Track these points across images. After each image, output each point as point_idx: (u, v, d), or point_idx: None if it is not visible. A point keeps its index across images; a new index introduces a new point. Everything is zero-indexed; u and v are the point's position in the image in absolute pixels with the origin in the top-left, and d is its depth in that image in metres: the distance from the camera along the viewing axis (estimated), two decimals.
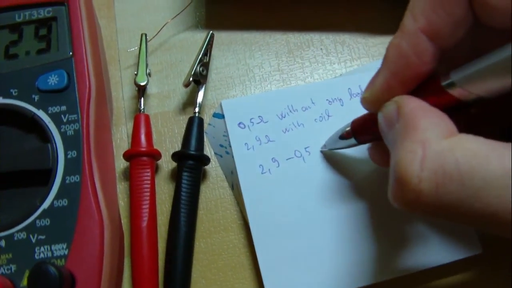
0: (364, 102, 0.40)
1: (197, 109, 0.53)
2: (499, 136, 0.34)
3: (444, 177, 0.29)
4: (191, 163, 0.50)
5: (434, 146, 0.30)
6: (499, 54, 0.29)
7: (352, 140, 0.45)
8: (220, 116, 0.52)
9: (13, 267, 0.42)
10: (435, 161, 0.30)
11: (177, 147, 0.53)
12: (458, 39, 0.34)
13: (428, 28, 0.34)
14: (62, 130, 0.46)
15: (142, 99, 0.54)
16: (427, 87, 0.35)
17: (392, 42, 0.36)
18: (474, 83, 0.31)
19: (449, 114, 0.33)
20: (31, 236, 0.43)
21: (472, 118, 0.38)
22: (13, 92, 0.47)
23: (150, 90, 0.56)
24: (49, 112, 0.46)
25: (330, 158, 0.50)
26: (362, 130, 0.44)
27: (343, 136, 0.46)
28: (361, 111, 0.47)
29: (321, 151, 0.50)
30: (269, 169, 0.49)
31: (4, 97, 0.47)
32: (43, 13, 0.50)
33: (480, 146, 0.29)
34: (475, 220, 0.30)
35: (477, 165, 0.28)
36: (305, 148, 0.50)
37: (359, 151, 0.50)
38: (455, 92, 0.33)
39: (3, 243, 0.43)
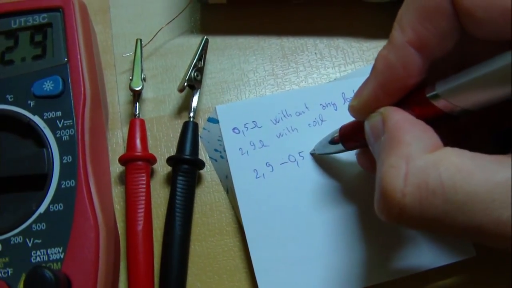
0: (352, 110, 0.40)
1: (191, 114, 0.53)
2: (486, 142, 0.34)
3: (428, 192, 0.30)
4: (186, 167, 0.50)
5: (417, 161, 0.31)
6: (483, 68, 0.30)
7: (340, 146, 0.45)
8: (214, 121, 0.53)
9: (10, 270, 0.42)
10: (419, 176, 0.30)
11: (172, 151, 0.54)
12: (446, 51, 0.34)
13: (416, 40, 0.34)
14: (57, 135, 0.46)
15: (137, 104, 0.54)
16: (413, 98, 0.36)
17: (381, 53, 0.36)
18: (458, 95, 0.32)
19: (436, 125, 0.34)
20: (27, 240, 0.43)
21: (458, 125, 0.38)
22: (9, 98, 0.47)
23: (146, 95, 0.56)
24: (45, 117, 0.47)
25: (324, 162, 0.50)
26: (350, 137, 0.44)
27: (332, 141, 0.46)
28: None
29: (311, 154, 0.51)
30: (263, 174, 0.50)
31: (0, 103, 0.47)
32: (39, 19, 0.51)
33: (464, 160, 0.30)
34: (460, 232, 0.30)
35: (460, 180, 0.29)
36: (299, 152, 0.51)
37: (352, 156, 0.50)
38: (440, 104, 0.33)
39: (0, 247, 0.43)
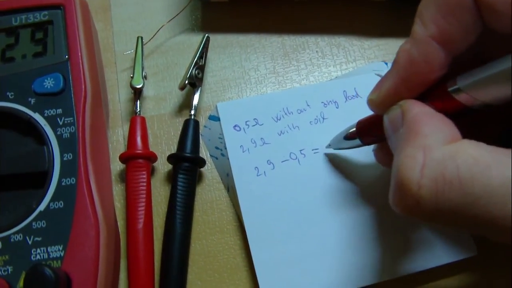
0: (371, 103, 0.40)
1: (192, 112, 0.53)
2: (498, 138, 0.34)
3: (444, 184, 0.29)
4: (186, 165, 0.50)
5: (435, 152, 0.31)
6: (506, 61, 0.29)
7: (357, 141, 0.45)
8: (215, 118, 0.53)
9: (10, 268, 0.42)
10: (436, 168, 0.30)
11: (173, 149, 0.54)
12: (469, 45, 0.34)
13: (439, 35, 0.33)
14: (58, 133, 0.46)
15: (138, 101, 0.54)
16: (434, 92, 0.35)
17: (403, 48, 0.36)
18: (480, 89, 0.32)
19: (455, 120, 0.33)
20: (27, 238, 0.43)
21: (475, 120, 0.38)
22: (10, 95, 0.47)
23: (146, 92, 0.56)
24: (45, 115, 0.47)
25: (325, 160, 0.50)
26: (367, 131, 0.44)
27: (348, 136, 0.46)
28: (356, 114, 0.48)
29: (326, 150, 0.51)
30: (264, 172, 0.50)
31: (1, 100, 0.47)
32: (39, 16, 0.51)
33: (482, 153, 0.29)
34: (474, 226, 0.30)
35: (478, 173, 0.29)
36: (300, 150, 0.51)
37: (354, 153, 0.50)
38: (461, 98, 0.33)
39: (0, 245, 0.43)
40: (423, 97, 0.36)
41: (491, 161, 0.29)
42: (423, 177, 0.30)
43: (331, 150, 0.51)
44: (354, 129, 0.45)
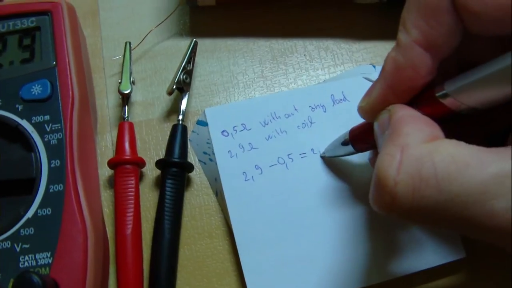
0: (361, 111, 0.40)
1: (180, 117, 0.53)
2: (484, 141, 0.34)
3: (421, 182, 0.29)
4: (174, 170, 0.50)
5: (413, 150, 0.31)
6: (491, 66, 0.30)
7: (350, 148, 0.45)
8: (203, 123, 0.53)
9: None
10: (412, 165, 0.30)
11: (161, 154, 0.54)
12: (453, 48, 0.34)
13: (423, 39, 0.33)
14: (45, 139, 0.46)
15: (126, 107, 0.54)
16: (422, 97, 0.36)
17: (389, 55, 0.36)
18: (467, 94, 0.32)
19: (442, 124, 0.33)
20: (15, 245, 0.43)
21: (461, 124, 0.38)
22: None
23: (135, 97, 0.56)
24: (33, 121, 0.47)
25: (313, 164, 0.50)
26: (360, 138, 0.44)
27: (343, 143, 0.46)
28: (344, 118, 0.48)
29: (321, 157, 0.51)
30: (252, 176, 0.50)
31: None
32: (27, 23, 0.51)
33: (461, 151, 0.30)
34: (453, 225, 0.30)
35: (455, 171, 0.29)
36: (288, 155, 0.51)
37: (341, 158, 0.50)
38: (449, 102, 0.33)
39: None
40: (411, 103, 0.36)
41: (470, 160, 0.29)
42: (400, 174, 0.30)
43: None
44: (347, 136, 0.45)
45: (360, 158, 0.50)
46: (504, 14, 0.30)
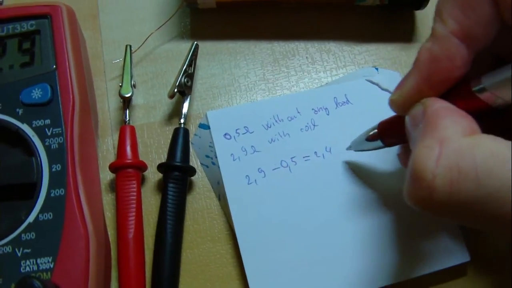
0: (392, 104, 0.40)
1: (182, 120, 0.53)
2: None
3: (460, 175, 0.29)
4: (176, 174, 0.50)
5: (452, 143, 0.30)
6: None
7: (378, 143, 0.45)
8: (206, 126, 0.52)
9: None
10: (451, 158, 0.30)
11: (163, 158, 0.53)
12: (489, 40, 0.34)
13: (460, 30, 0.33)
14: (46, 143, 0.46)
15: (128, 110, 0.53)
16: (457, 91, 0.35)
17: (424, 46, 0.36)
18: (506, 89, 0.32)
19: (477, 119, 0.33)
20: (16, 250, 0.43)
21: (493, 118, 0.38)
22: None
23: (136, 101, 0.56)
24: (33, 125, 0.46)
25: (316, 168, 0.50)
26: (389, 132, 0.44)
27: (369, 138, 0.46)
28: (347, 121, 0.48)
29: (347, 150, 0.50)
30: (255, 180, 0.49)
31: None
32: (27, 26, 0.50)
33: (500, 147, 0.29)
34: (488, 221, 0.30)
35: (495, 166, 0.28)
36: (291, 158, 0.50)
37: (347, 158, 0.50)
38: (485, 97, 0.33)
39: None
40: (445, 97, 0.36)
41: (509, 155, 0.28)
42: (438, 167, 0.30)
43: (350, 153, 0.50)
44: (375, 130, 0.45)
45: (366, 159, 0.50)
46: None
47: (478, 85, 0.33)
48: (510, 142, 0.29)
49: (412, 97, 0.37)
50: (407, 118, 0.37)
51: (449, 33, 0.34)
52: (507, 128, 0.39)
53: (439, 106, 0.34)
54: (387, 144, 0.45)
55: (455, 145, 0.30)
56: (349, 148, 0.50)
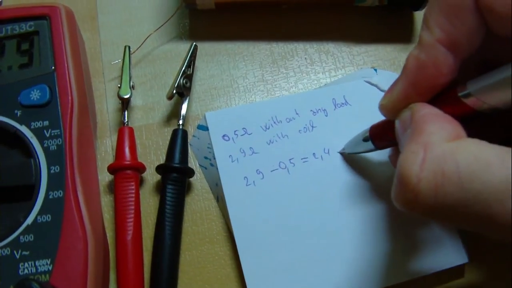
0: (382, 108, 0.41)
1: (181, 121, 0.53)
2: (504, 140, 0.34)
3: (443, 179, 0.30)
4: (175, 175, 0.50)
5: (436, 148, 0.31)
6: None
7: (370, 145, 0.46)
8: (204, 128, 0.52)
9: None
10: (435, 163, 0.30)
11: (162, 159, 0.53)
12: (475, 47, 0.35)
13: (446, 38, 0.34)
14: (45, 145, 0.46)
15: (126, 111, 0.53)
16: (444, 96, 0.36)
17: (412, 53, 0.36)
18: (490, 94, 0.32)
19: (463, 124, 0.34)
20: (15, 252, 0.43)
21: (480, 122, 0.38)
22: None
23: (135, 102, 0.56)
24: (32, 127, 0.46)
25: (314, 169, 0.50)
26: (380, 135, 0.44)
27: (363, 140, 0.47)
28: (345, 122, 0.48)
29: (340, 153, 0.51)
30: (253, 181, 0.49)
31: None
32: (25, 27, 0.50)
33: (483, 150, 0.30)
34: (473, 222, 0.30)
35: (478, 169, 0.29)
36: (290, 159, 0.50)
37: (344, 161, 0.50)
38: (471, 102, 0.33)
39: None
40: (433, 102, 0.36)
41: (492, 159, 0.29)
42: (423, 171, 0.31)
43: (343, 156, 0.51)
44: (367, 134, 0.46)
45: (364, 162, 0.50)
46: None
47: (464, 90, 0.34)
48: (495, 145, 0.30)
49: (400, 102, 0.38)
50: (396, 123, 0.38)
51: (435, 41, 0.34)
52: (494, 130, 0.40)
53: (426, 112, 0.35)
54: (378, 147, 0.46)
55: (438, 150, 0.31)
56: (342, 151, 0.50)
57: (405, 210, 0.33)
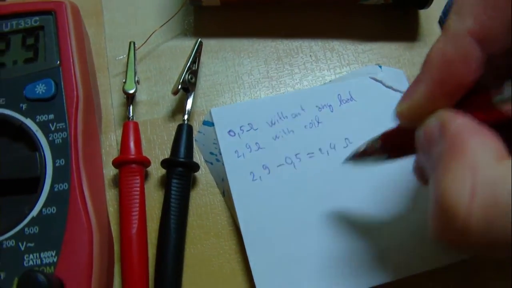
0: (401, 117, 0.35)
1: (186, 117, 0.53)
2: None
3: (497, 210, 0.25)
4: (180, 170, 0.50)
5: (486, 172, 0.26)
6: None
7: (382, 156, 0.40)
8: (210, 123, 0.52)
9: (2, 275, 0.42)
10: (487, 192, 0.26)
11: (167, 154, 0.53)
12: (508, 44, 0.31)
13: (479, 30, 0.30)
14: (50, 138, 0.46)
15: (131, 106, 0.53)
16: (474, 101, 0.32)
17: (435, 46, 0.32)
18: None
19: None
20: (20, 244, 0.43)
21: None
22: (1, 101, 0.47)
23: (139, 97, 0.56)
24: (37, 120, 0.46)
25: (321, 164, 0.50)
26: (395, 145, 0.39)
27: (370, 151, 0.41)
28: (351, 118, 0.47)
29: (345, 163, 0.45)
30: (260, 176, 0.49)
31: None
32: (31, 22, 0.50)
33: None
34: None
35: None
36: (296, 154, 0.50)
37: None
38: (508, 108, 0.29)
39: None
40: (460, 107, 0.32)
41: None
42: (473, 202, 0.26)
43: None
44: (378, 143, 0.40)
45: None
46: None
47: (500, 94, 0.29)
48: None
49: (424, 107, 0.33)
50: (420, 134, 0.33)
51: (466, 31, 0.30)
52: None
53: (460, 123, 0.29)
54: (392, 157, 0.39)
55: (490, 175, 0.26)
56: (346, 161, 0.45)
57: (450, 247, 0.29)
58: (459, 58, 0.31)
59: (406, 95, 0.34)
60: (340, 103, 0.52)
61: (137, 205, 0.49)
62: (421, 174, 0.40)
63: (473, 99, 0.32)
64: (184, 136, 0.52)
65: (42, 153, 0.45)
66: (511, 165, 0.26)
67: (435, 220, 0.28)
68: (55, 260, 0.42)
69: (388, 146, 0.39)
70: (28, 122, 0.46)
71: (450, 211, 0.27)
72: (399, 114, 0.35)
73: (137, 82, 0.54)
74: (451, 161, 0.28)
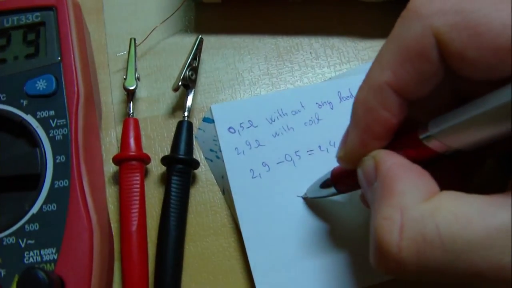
0: (340, 161, 0.39)
1: (186, 113, 0.53)
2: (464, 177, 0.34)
3: (425, 245, 0.28)
4: (180, 167, 0.50)
5: (413, 211, 0.29)
6: (479, 106, 0.28)
7: (333, 189, 0.43)
8: (210, 120, 0.52)
9: (2, 272, 0.42)
10: (414, 229, 0.29)
11: (167, 151, 0.53)
12: (425, 93, 0.32)
13: (394, 82, 0.32)
14: (50, 134, 0.46)
15: (131, 103, 0.53)
16: (405, 139, 0.34)
17: (358, 97, 0.35)
18: (453, 137, 0.30)
19: (431, 164, 0.32)
20: (20, 241, 0.43)
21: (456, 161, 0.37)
22: (1, 97, 0.47)
23: (140, 94, 0.56)
24: (38, 117, 0.46)
25: (320, 161, 0.50)
26: (342, 181, 0.42)
27: (324, 184, 0.45)
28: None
29: (303, 198, 0.49)
30: (259, 174, 0.49)
31: None
32: (32, 18, 0.50)
33: (462, 206, 0.28)
34: (461, 280, 0.29)
35: (459, 229, 0.27)
36: (295, 152, 0.50)
37: None
38: (434, 145, 0.31)
39: None
40: (393, 146, 0.34)
41: (471, 214, 0.27)
42: (402, 239, 0.29)
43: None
44: (329, 177, 0.44)
45: None
46: (500, 60, 0.28)
47: (425, 132, 0.32)
48: (474, 197, 0.29)
49: (357, 152, 0.36)
50: (359, 174, 0.36)
51: (384, 83, 0.32)
52: (463, 168, 0.38)
53: (392, 164, 0.32)
54: (341, 191, 0.43)
55: (416, 214, 0.29)
56: (304, 195, 0.49)
57: (388, 275, 0.32)
58: (379, 106, 0.33)
59: (342, 142, 0.38)
60: (340, 100, 0.52)
61: (137, 202, 0.49)
62: (367, 203, 0.42)
63: (404, 138, 0.34)
64: (184, 133, 0.52)
65: (43, 150, 0.45)
66: (438, 201, 0.29)
67: (373, 254, 0.31)
68: (55, 257, 0.42)
69: (337, 181, 0.43)
70: (29, 118, 0.46)
71: (383, 247, 0.30)
72: (339, 159, 0.39)
73: (138, 79, 0.54)
74: (382, 200, 0.31)
